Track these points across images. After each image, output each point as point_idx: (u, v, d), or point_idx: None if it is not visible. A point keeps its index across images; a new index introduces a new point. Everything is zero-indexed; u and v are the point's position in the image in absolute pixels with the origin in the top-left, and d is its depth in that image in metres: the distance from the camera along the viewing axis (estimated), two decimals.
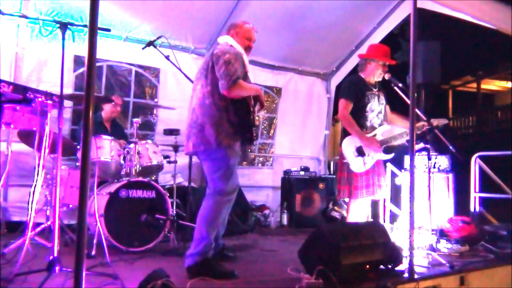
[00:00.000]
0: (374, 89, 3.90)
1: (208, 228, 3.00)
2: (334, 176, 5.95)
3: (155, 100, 5.56)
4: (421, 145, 3.90)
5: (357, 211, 3.81)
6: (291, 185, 5.71)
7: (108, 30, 2.98)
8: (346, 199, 4.05)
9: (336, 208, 5.61)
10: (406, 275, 2.92)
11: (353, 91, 3.81)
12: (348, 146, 3.76)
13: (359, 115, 3.79)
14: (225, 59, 2.99)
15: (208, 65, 3.08)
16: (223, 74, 2.96)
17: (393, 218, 5.23)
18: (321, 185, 5.76)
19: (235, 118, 3.04)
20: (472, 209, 5.15)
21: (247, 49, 3.28)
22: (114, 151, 3.96)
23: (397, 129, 4.02)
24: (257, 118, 3.32)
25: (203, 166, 3.17)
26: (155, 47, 3.83)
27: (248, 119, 3.08)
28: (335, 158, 6.60)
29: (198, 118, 3.06)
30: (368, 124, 3.84)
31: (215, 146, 2.99)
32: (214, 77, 3.03)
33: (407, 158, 4.60)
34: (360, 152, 3.73)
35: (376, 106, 3.87)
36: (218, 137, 2.99)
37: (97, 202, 3.61)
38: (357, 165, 3.73)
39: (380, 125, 3.89)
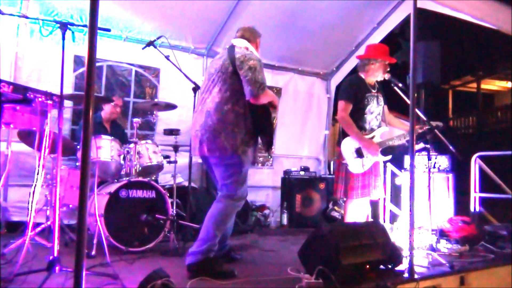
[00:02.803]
0: (373, 90, 3.88)
1: (216, 230, 3.02)
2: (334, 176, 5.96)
3: (155, 100, 5.56)
4: (421, 145, 3.90)
5: (354, 211, 3.80)
6: (291, 185, 5.71)
7: (108, 30, 2.99)
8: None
9: (336, 208, 5.61)
10: (406, 275, 2.92)
11: (353, 92, 3.79)
12: (348, 147, 3.76)
13: (358, 117, 3.78)
14: (250, 65, 2.99)
15: (228, 69, 3.06)
16: (251, 81, 2.95)
17: (393, 218, 5.23)
18: (321, 185, 5.76)
19: (252, 125, 3.06)
20: (472, 209, 5.15)
21: None
22: (114, 151, 3.95)
23: (395, 131, 4.02)
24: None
25: (215, 171, 3.18)
26: (155, 47, 3.83)
27: (269, 124, 3.18)
28: (335, 158, 6.60)
29: (214, 123, 3.04)
30: (367, 126, 3.82)
31: (231, 153, 3.01)
32: (235, 83, 3.03)
33: (407, 158, 4.61)
34: (359, 153, 3.72)
35: (375, 108, 3.86)
36: (235, 144, 3.01)
37: (97, 202, 3.60)
38: (355, 166, 3.72)
39: (378, 126, 3.88)
